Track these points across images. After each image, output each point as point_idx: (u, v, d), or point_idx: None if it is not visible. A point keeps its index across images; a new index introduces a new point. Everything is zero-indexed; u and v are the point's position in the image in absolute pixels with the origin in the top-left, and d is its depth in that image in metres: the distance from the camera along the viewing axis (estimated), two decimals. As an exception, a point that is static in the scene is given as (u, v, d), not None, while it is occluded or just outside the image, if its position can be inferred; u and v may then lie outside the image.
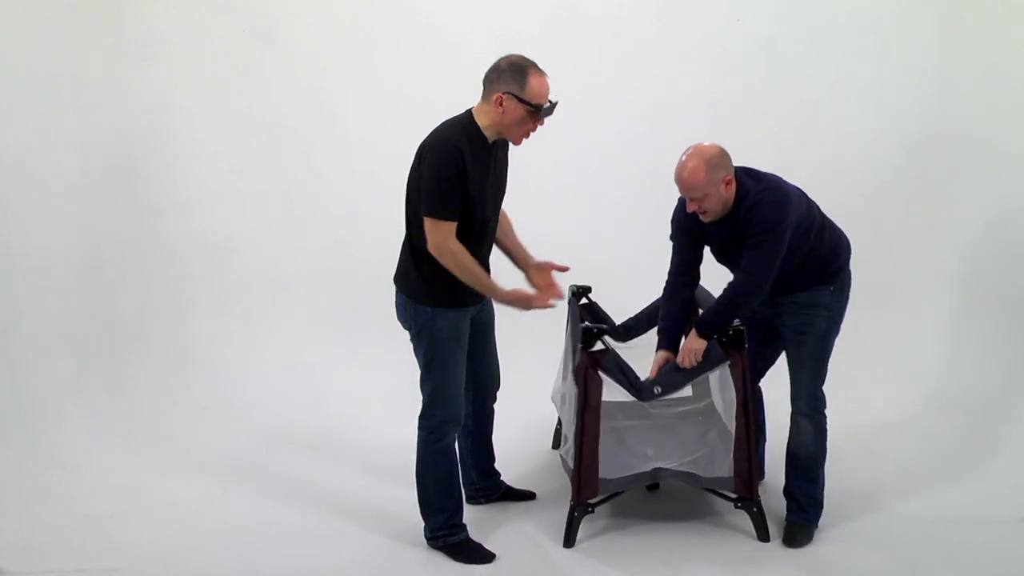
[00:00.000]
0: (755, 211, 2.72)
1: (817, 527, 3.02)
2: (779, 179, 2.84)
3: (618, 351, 3.02)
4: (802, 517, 3.01)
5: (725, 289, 2.86)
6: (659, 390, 2.91)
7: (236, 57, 4.48)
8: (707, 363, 2.89)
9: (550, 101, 2.64)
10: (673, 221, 3.00)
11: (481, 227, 2.73)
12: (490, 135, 2.68)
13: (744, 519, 3.06)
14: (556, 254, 4.39)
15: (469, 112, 2.70)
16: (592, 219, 4.56)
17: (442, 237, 2.60)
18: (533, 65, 2.63)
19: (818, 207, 2.92)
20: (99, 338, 4.04)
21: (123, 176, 4.32)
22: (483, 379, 3.10)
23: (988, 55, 4.26)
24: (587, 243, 4.52)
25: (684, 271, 3.04)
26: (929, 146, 4.42)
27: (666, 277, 3.09)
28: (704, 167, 2.68)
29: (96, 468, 3.53)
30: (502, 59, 2.65)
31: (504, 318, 3.69)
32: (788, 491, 3.05)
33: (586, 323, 2.96)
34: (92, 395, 3.88)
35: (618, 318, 3.46)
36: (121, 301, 4.25)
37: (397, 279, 2.84)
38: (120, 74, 4.29)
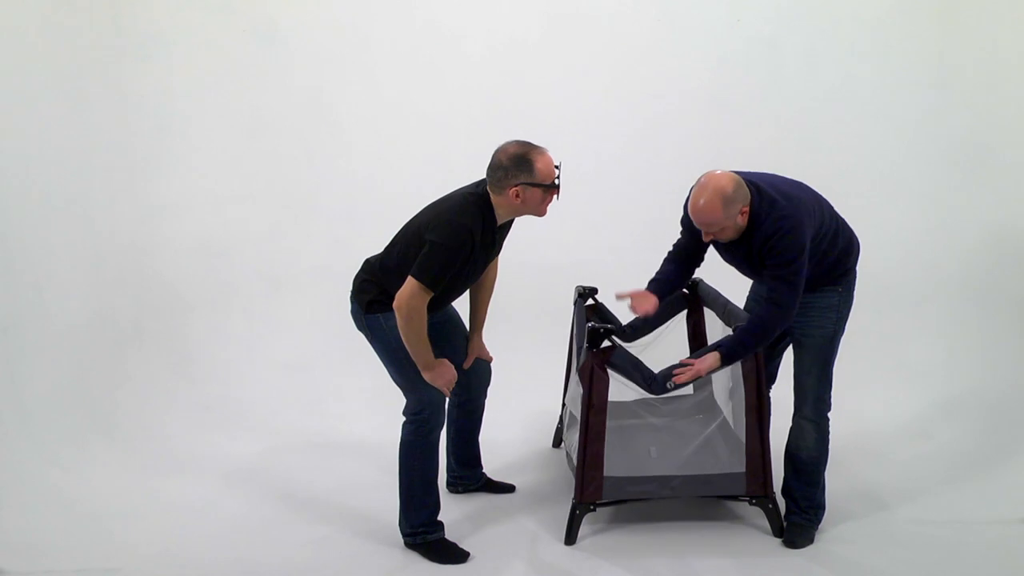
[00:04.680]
0: (773, 242, 2.66)
1: (818, 528, 3.02)
2: (791, 193, 2.75)
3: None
4: (803, 518, 3.00)
5: (752, 318, 2.81)
6: (672, 385, 2.88)
7: (236, 57, 4.48)
8: None
9: (557, 166, 2.67)
10: (685, 214, 2.93)
11: (461, 287, 2.88)
12: (501, 218, 2.75)
13: (748, 514, 3.07)
14: (559, 254, 4.45)
15: (486, 192, 2.71)
16: (594, 219, 4.55)
17: (416, 302, 2.65)
18: (531, 148, 2.65)
19: (831, 208, 2.86)
20: (98, 338, 4.04)
21: (123, 176, 4.32)
22: (464, 372, 3.15)
23: (988, 55, 4.26)
24: (588, 244, 4.53)
25: (688, 253, 3.04)
26: (929, 146, 4.42)
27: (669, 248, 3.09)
28: (720, 203, 2.62)
29: (96, 468, 3.53)
30: (500, 153, 2.66)
31: (504, 319, 3.70)
32: (787, 492, 3.04)
33: (592, 323, 2.95)
34: (92, 395, 3.87)
35: (623, 318, 3.45)
36: (120, 301, 4.25)
37: (354, 290, 2.90)
38: (120, 74, 4.30)
